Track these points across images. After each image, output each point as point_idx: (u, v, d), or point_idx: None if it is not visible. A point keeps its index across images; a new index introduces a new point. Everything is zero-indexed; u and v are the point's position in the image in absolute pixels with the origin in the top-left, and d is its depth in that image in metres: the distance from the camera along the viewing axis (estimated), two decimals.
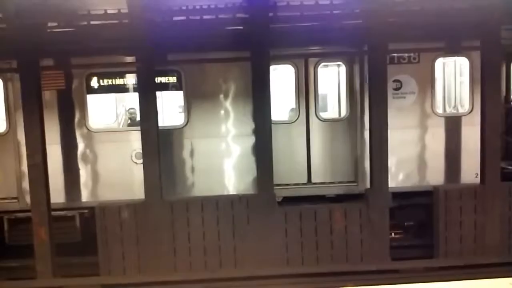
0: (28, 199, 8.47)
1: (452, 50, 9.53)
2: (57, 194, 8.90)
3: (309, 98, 9.49)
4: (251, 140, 9.06)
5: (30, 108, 7.94)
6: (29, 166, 8.00)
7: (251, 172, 9.02)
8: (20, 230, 9.02)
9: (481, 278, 4.80)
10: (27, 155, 8.01)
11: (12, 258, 9.28)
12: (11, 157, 9.20)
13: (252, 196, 8.65)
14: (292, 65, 9.43)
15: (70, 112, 9.23)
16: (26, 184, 8.51)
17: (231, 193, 9.34)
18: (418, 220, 9.61)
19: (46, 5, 7.82)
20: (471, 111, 9.42)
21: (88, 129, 9.25)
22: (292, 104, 9.78)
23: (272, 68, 8.68)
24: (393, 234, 9.57)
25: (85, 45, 8.43)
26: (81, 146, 9.27)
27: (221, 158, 9.38)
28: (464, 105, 9.98)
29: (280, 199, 9.05)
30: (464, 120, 9.48)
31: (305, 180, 9.58)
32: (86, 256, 8.87)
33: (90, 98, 9.38)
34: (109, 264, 8.36)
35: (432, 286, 4.58)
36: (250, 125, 9.13)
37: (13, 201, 9.26)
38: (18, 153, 9.13)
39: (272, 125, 8.41)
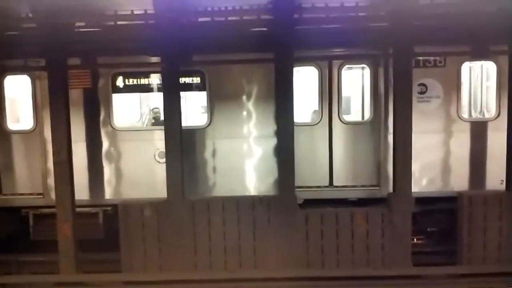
0: (53, 195, 8.59)
1: (479, 54, 9.36)
2: (82, 191, 9.03)
3: (332, 101, 9.44)
4: (273, 141, 9.07)
5: (57, 106, 8.08)
6: (54, 163, 8.13)
7: (273, 173, 9.02)
8: (44, 225, 9.22)
9: (504, 286, 4.73)
10: (53, 152, 8.15)
11: (36, 253, 9.49)
12: (37, 154, 9.41)
13: (273, 198, 8.64)
14: (315, 67, 9.40)
15: (95, 111, 9.39)
16: (51, 181, 8.68)
17: (252, 194, 9.34)
18: (441, 226, 9.49)
19: (74, 6, 7.97)
20: (498, 116, 9.26)
21: (112, 128, 9.39)
22: (315, 106, 9.75)
23: (295, 70, 8.64)
24: (415, 239, 9.45)
25: (111, 45, 8.53)
26: (105, 144, 9.41)
27: (243, 159, 9.41)
28: (490, 110, 9.82)
29: (301, 201, 9.02)
30: (490, 126, 9.32)
31: (326, 183, 9.53)
32: (109, 253, 8.96)
33: (115, 97, 9.52)
34: (131, 261, 8.44)
35: None
36: (272, 127, 9.14)
37: (39, 197, 9.47)
38: (45, 150, 9.32)
39: (295, 127, 8.39)
